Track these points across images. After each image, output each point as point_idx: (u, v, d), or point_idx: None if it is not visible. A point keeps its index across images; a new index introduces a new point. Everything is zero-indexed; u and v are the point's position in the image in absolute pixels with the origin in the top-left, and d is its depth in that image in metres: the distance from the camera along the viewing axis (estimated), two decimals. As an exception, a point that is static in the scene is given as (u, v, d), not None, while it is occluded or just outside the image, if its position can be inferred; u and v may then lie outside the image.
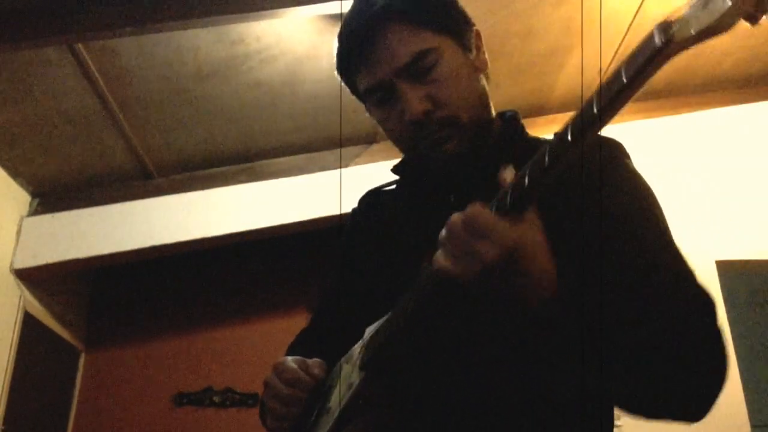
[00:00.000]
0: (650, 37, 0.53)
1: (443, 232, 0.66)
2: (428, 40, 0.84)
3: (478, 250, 0.63)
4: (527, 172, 0.63)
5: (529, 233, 0.65)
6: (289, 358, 0.89)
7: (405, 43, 0.84)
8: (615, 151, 0.88)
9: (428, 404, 0.80)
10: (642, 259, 0.75)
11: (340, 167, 2.90)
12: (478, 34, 0.93)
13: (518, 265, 0.64)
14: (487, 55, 0.94)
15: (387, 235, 0.95)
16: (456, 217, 0.65)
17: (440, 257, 0.66)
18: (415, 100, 0.83)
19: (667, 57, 0.53)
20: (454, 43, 0.87)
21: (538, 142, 0.92)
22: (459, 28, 0.89)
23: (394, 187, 1.03)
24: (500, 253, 0.63)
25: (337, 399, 0.80)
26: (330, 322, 1.04)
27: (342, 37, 0.89)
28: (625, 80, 0.55)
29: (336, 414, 0.80)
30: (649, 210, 0.81)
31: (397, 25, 0.84)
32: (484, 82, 0.91)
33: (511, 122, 0.94)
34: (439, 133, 0.85)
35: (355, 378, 0.77)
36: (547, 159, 0.62)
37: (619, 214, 0.78)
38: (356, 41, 0.87)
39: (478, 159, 0.88)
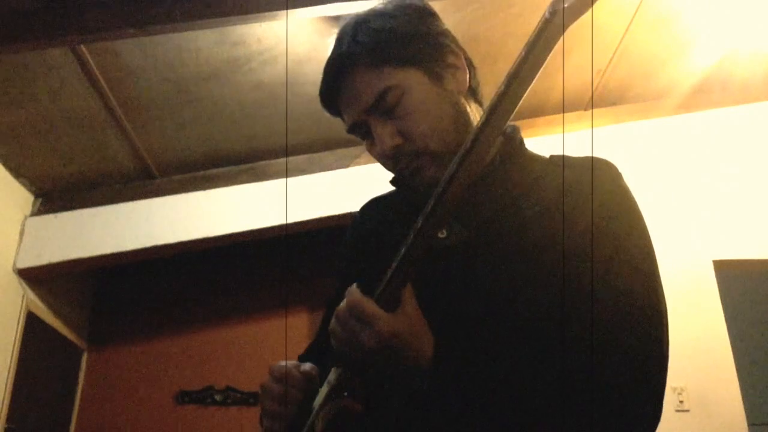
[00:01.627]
0: (543, 14, 0.61)
1: (333, 319, 0.76)
2: (391, 76, 0.87)
3: (360, 338, 0.73)
4: (394, 265, 0.73)
5: (405, 321, 0.73)
6: (284, 361, 0.91)
7: (368, 84, 0.87)
8: (607, 172, 0.88)
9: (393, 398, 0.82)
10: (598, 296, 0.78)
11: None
12: (455, 54, 0.92)
13: (394, 350, 0.73)
14: (468, 75, 0.93)
15: (379, 243, 0.96)
16: (342, 306, 0.75)
17: (333, 341, 0.77)
18: (385, 136, 0.87)
19: (557, 29, 0.61)
20: (421, 73, 0.88)
21: (538, 160, 0.94)
22: (425, 57, 0.89)
23: (394, 195, 1.05)
24: (378, 341, 0.72)
25: (320, 399, 0.83)
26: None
27: (321, 81, 0.94)
28: (523, 53, 0.63)
29: (315, 411, 0.83)
30: (618, 240, 0.82)
31: (360, 67, 0.88)
32: (463, 102, 0.91)
33: (508, 140, 0.94)
34: (413, 164, 0.89)
35: (333, 375, 0.81)
36: (409, 246, 0.71)
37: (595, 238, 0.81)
38: (329, 86, 0.92)
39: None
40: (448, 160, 0.81)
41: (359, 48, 0.88)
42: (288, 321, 3.58)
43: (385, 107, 0.87)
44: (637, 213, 0.85)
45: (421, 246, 0.71)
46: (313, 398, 0.86)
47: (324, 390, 0.82)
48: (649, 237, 0.84)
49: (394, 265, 0.73)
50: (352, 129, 0.93)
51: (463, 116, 0.90)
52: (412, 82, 0.87)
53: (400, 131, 0.87)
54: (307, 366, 0.89)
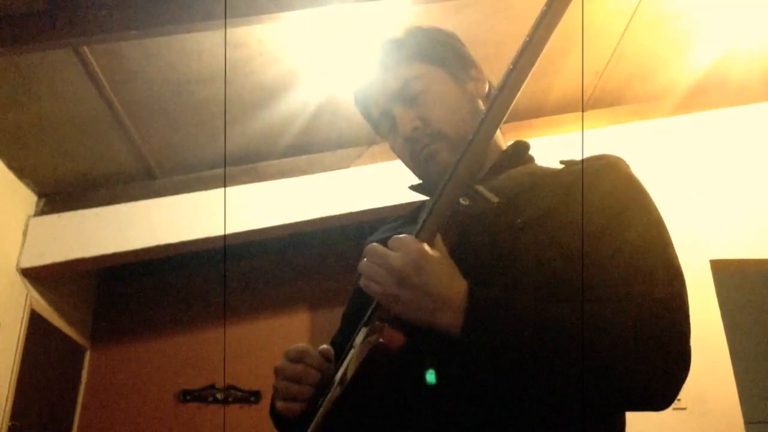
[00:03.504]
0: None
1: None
2: (419, 69, 0.98)
3: (388, 262, 0.72)
4: (430, 205, 0.76)
5: (435, 253, 0.74)
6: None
7: (398, 72, 0.98)
8: (616, 164, 0.92)
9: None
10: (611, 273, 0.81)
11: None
12: (478, 70, 1.03)
13: (424, 274, 0.72)
14: (488, 88, 1.01)
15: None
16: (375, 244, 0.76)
17: (362, 279, 0.75)
18: (406, 119, 0.97)
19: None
20: (446, 73, 0.99)
21: (544, 171, 0.98)
22: (451, 62, 1.00)
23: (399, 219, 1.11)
24: (405, 260, 0.71)
25: (347, 359, 0.80)
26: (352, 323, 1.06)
27: (359, 71, 1.05)
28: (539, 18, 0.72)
29: (339, 373, 0.79)
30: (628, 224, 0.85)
31: (394, 58, 0.99)
32: (480, 104, 1.00)
33: (515, 148, 1.01)
34: (429, 147, 0.96)
35: (360, 337, 0.78)
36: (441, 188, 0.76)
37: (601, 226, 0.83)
38: (364, 76, 1.03)
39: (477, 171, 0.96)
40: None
41: (396, 44, 1.00)
42: (288, 321, 3.60)
43: (409, 95, 0.97)
44: (646, 196, 0.89)
45: (447, 201, 0.75)
46: (332, 377, 0.82)
47: (352, 352, 0.78)
48: (659, 215, 0.88)
49: (421, 220, 0.76)
50: (378, 121, 1.02)
51: (479, 114, 0.94)
52: (437, 77, 0.98)
53: (420, 116, 0.96)
54: (323, 346, 0.90)
